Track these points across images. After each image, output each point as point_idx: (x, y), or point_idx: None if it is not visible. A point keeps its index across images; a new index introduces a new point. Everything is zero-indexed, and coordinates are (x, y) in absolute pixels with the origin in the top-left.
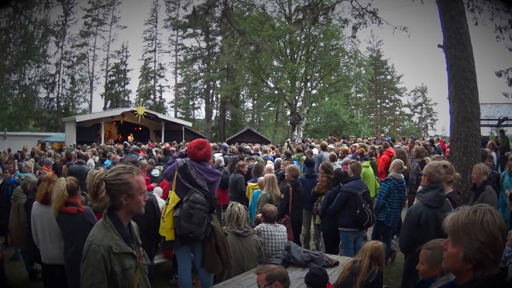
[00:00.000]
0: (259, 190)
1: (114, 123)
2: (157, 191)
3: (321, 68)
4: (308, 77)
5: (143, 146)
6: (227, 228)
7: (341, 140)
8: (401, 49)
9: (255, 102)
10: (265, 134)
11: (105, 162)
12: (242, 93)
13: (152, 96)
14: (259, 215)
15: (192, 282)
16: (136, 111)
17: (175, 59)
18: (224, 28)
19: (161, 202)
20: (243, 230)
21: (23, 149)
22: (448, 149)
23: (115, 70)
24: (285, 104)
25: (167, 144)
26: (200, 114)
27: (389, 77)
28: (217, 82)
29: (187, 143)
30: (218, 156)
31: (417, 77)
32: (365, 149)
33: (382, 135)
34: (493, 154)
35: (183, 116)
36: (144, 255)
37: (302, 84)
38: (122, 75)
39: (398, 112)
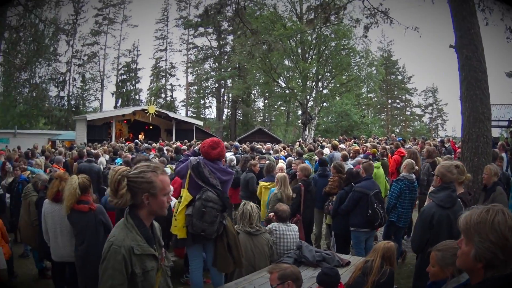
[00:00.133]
0: (274, 189)
1: (125, 121)
2: None
3: (333, 68)
4: (320, 77)
5: (154, 144)
6: (239, 226)
7: (352, 140)
8: (412, 49)
9: (266, 101)
10: (276, 134)
11: (116, 161)
12: (253, 92)
13: (163, 95)
14: (271, 214)
15: (203, 281)
16: (147, 109)
17: (186, 58)
18: (237, 27)
19: (172, 200)
20: (255, 229)
21: (33, 147)
22: (458, 150)
23: (126, 68)
24: (296, 104)
25: (178, 143)
26: (211, 113)
27: (400, 77)
28: (228, 81)
29: (198, 142)
30: (229, 155)
31: (428, 77)
32: (376, 150)
33: (393, 135)
34: (504, 155)
35: (194, 115)
36: (167, 256)
37: (314, 83)
38: (133, 74)
39: (409, 113)
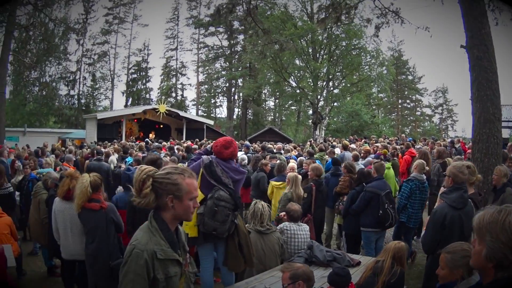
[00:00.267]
0: None
1: (135, 120)
2: None
3: (343, 68)
4: (330, 77)
5: (164, 143)
6: (250, 225)
7: (363, 140)
8: (423, 49)
9: (277, 101)
10: (286, 133)
11: (126, 159)
12: (264, 91)
13: (173, 94)
14: (282, 213)
15: (214, 280)
16: (157, 108)
17: (197, 57)
18: (248, 27)
19: None
20: (266, 228)
21: (43, 145)
22: (468, 151)
23: (136, 67)
24: (307, 103)
25: (189, 142)
26: (222, 112)
27: (410, 77)
28: (239, 80)
29: (209, 141)
30: (241, 154)
31: (438, 77)
32: (387, 150)
33: (403, 135)
34: None
35: (205, 114)
36: (191, 262)
37: (324, 83)
38: (144, 73)
39: (419, 113)
